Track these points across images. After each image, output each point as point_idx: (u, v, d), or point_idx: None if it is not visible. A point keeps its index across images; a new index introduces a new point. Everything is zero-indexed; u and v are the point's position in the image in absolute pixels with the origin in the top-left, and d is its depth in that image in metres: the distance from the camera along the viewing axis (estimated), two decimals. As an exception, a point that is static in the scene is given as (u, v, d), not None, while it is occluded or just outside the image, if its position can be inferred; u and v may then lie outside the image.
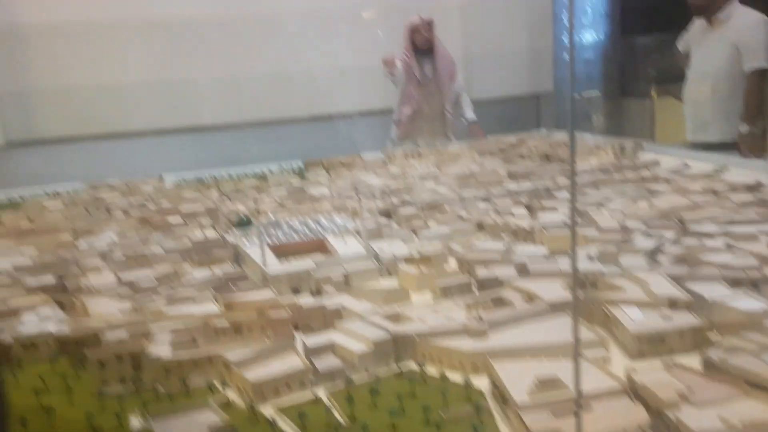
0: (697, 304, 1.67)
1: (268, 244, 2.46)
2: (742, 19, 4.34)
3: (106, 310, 1.95)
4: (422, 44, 5.08)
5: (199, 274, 2.29)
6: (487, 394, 1.45)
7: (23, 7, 5.73)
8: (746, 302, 1.64)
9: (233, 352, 1.58)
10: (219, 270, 2.30)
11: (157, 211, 3.35)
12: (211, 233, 2.82)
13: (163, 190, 4.15)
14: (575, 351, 1.02)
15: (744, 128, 4.24)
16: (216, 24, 6.17)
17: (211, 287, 2.11)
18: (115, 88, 5.85)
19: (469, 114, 5.42)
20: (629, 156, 3.98)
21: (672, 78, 6.22)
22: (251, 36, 6.24)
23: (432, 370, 1.57)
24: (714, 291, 1.72)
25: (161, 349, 1.67)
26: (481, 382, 1.49)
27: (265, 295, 1.96)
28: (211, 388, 1.55)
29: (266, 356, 1.55)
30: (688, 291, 1.72)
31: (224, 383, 1.57)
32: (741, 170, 3.42)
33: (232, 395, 1.53)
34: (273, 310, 1.74)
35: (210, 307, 1.94)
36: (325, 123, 6.25)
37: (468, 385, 1.47)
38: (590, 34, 6.93)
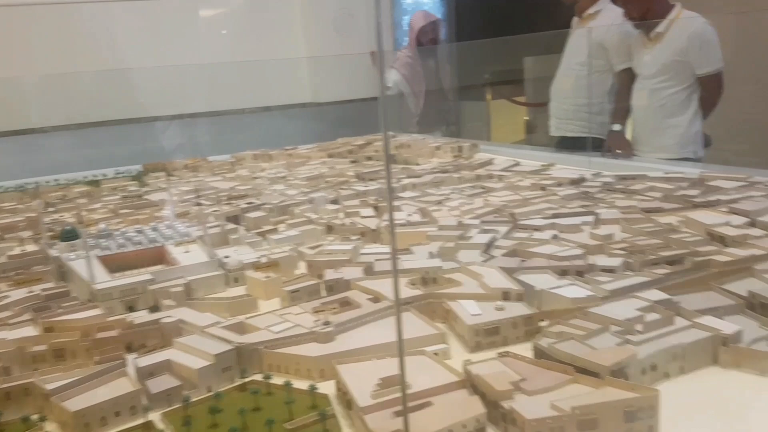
0: (527, 294, 1.77)
1: (98, 257, 2.25)
2: (609, 17, 4.14)
3: None
4: (427, 43, 5.13)
5: (16, 294, 2.04)
6: (333, 400, 1.44)
7: None
8: (572, 290, 1.76)
9: (52, 380, 1.42)
10: (39, 288, 2.07)
11: (-34, 225, 2.97)
12: (31, 247, 2.54)
13: (-24, 200, 3.70)
14: (399, 349, 1.05)
15: (612, 126, 4.16)
16: (41, 15, 5.60)
17: (29, 309, 1.89)
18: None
19: None
20: (467, 156, 4.18)
21: (505, 81, 6.66)
22: (82, 29, 5.75)
23: (278, 381, 1.52)
24: (543, 281, 1.83)
25: (-34, 382, 1.46)
26: (329, 388, 1.47)
27: (92, 314, 1.79)
28: (27, 422, 1.38)
29: (91, 382, 1.40)
30: (520, 282, 1.83)
31: (42, 416, 1.40)
32: (566, 166, 3.72)
33: (52, 429, 1.37)
34: (100, 331, 1.59)
35: (27, 331, 1.73)
36: (167, 123, 5.91)
37: (314, 393, 1.44)
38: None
